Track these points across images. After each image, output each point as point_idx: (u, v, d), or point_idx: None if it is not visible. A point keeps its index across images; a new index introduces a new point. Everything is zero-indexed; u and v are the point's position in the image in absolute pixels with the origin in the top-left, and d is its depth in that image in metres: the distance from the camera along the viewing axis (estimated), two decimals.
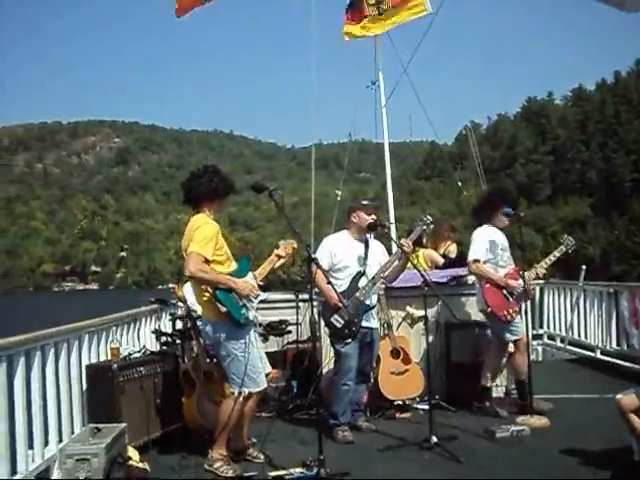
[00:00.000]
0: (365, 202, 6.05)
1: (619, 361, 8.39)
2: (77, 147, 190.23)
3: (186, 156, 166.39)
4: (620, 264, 64.65)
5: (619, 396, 4.58)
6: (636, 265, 63.27)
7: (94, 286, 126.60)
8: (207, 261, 4.74)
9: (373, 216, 5.92)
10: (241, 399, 4.84)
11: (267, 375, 5.12)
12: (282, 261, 5.31)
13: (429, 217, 5.95)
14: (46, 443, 5.01)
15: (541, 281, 9.64)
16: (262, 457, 5.06)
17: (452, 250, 8.03)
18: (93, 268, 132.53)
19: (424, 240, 8.08)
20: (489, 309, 6.26)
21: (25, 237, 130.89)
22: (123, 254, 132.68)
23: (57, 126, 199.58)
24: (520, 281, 6.18)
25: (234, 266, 4.98)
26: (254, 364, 4.87)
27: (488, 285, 6.29)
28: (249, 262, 5.10)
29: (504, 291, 6.24)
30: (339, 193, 10.86)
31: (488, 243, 6.35)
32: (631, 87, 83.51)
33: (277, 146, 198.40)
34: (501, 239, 6.40)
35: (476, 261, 6.32)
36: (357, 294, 5.70)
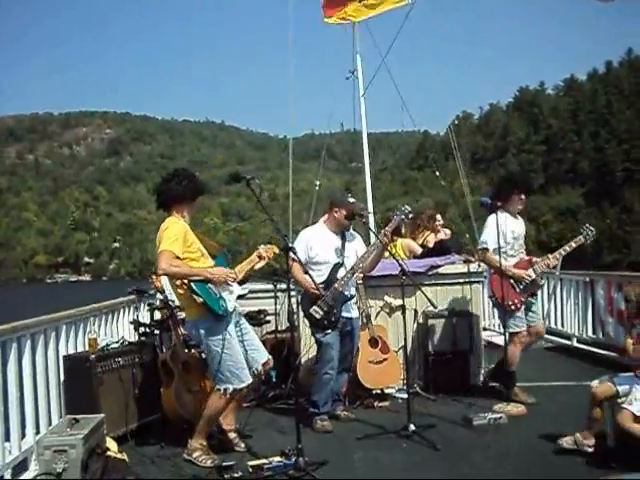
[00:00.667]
0: (352, 200, 6.04)
1: (595, 349, 8.48)
2: (69, 138, 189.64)
3: (178, 147, 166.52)
4: (612, 253, 65.06)
5: (593, 384, 4.64)
6: (627, 254, 63.82)
7: (87, 277, 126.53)
8: (178, 258, 4.76)
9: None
10: (227, 396, 4.85)
11: (265, 364, 5.16)
12: (262, 263, 5.29)
13: (407, 207, 5.93)
14: (23, 435, 4.99)
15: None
16: (243, 445, 5.09)
17: (430, 240, 8.06)
18: (86, 259, 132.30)
19: (402, 230, 8.11)
20: (494, 297, 6.33)
21: (18, 229, 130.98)
22: (116, 245, 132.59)
23: (48, 117, 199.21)
24: (530, 271, 6.21)
25: (210, 263, 4.99)
26: (236, 359, 4.85)
27: (496, 274, 6.24)
28: (226, 259, 5.10)
29: (511, 281, 6.21)
30: (317, 184, 10.84)
31: (497, 232, 6.11)
32: (623, 77, 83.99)
33: (269, 136, 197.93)
34: (513, 227, 6.32)
35: (484, 250, 6.30)
36: (336, 285, 5.71)
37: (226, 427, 5.19)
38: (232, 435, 5.17)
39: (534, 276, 6.23)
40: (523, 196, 6.37)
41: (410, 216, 6.13)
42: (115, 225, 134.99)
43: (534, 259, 6.31)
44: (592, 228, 6.33)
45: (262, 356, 5.12)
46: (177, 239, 4.79)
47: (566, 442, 4.62)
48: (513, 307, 6.18)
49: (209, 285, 4.80)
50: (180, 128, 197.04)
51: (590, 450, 4.53)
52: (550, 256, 6.32)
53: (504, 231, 6.17)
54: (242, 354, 4.92)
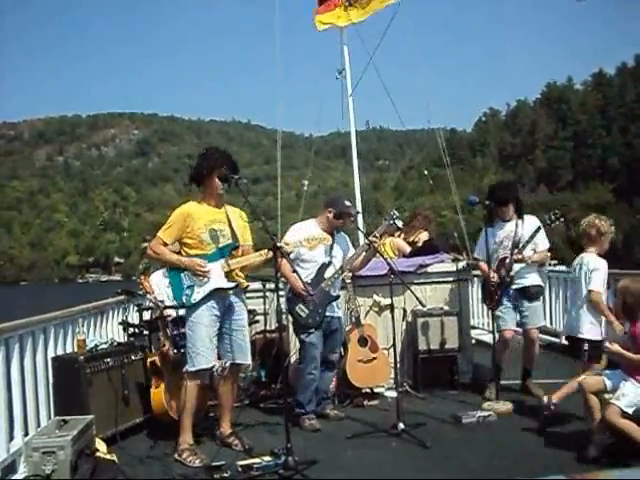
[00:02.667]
0: (349, 204, 6.09)
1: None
2: (97, 139, 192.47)
3: (205, 147, 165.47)
4: None
5: (582, 377, 4.68)
6: None
7: (118, 277, 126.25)
8: (166, 244, 5.01)
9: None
10: (187, 378, 4.97)
11: (240, 365, 5.21)
12: (260, 259, 5.11)
13: (396, 212, 6.02)
14: (11, 437, 4.97)
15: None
16: (240, 446, 5.09)
17: (422, 238, 8.11)
18: (116, 259, 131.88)
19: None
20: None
21: (49, 229, 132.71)
22: (145, 245, 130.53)
23: (77, 119, 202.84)
24: (502, 271, 6.26)
25: (208, 251, 4.99)
26: (193, 344, 4.94)
27: (483, 279, 6.59)
28: (228, 250, 5.03)
29: (488, 284, 6.37)
30: (306, 183, 10.86)
31: (483, 242, 6.46)
32: None
33: (295, 135, 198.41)
34: (496, 233, 6.41)
35: (475, 259, 6.70)
36: (322, 284, 5.76)
37: (223, 428, 5.22)
38: (230, 439, 5.18)
39: (496, 278, 6.27)
40: (503, 207, 6.37)
41: (400, 224, 6.17)
42: (144, 225, 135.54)
43: (508, 259, 6.29)
44: (557, 211, 6.39)
45: (240, 356, 5.15)
46: (171, 226, 5.00)
47: (591, 451, 4.48)
48: (489, 307, 6.46)
49: (184, 274, 4.92)
50: (207, 128, 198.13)
51: (611, 440, 4.48)
52: (516, 252, 6.27)
53: (487, 238, 6.37)
54: (208, 341, 4.93)
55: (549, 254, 6.67)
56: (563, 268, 9.56)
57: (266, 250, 4.94)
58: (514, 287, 6.31)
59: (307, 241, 5.15)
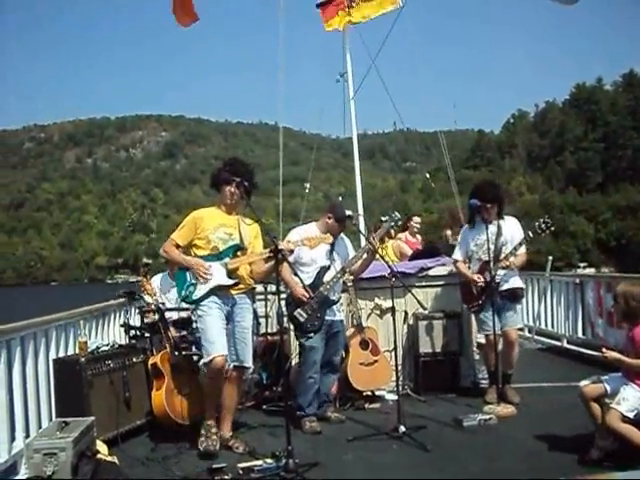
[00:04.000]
0: (350, 213, 6.09)
1: (585, 350, 8.52)
2: (125, 141, 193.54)
3: (232, 148, 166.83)
4: None
5: (582, 384, 4.67)
6: None
7: None
8: (178, 246, 5.19)
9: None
10: (205, 370, 5.07)
11: (243, 368, 5.20)
12: (261, 259, 5.19)
13: (397, 214, 6.02)
14: (13, 438, 4.98)
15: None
16: (241, 449, 5.09)
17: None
18: (145, 260, 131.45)
19: (393, 232, 8.19)
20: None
21: (79, 231, 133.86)
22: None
23: (105, 121, 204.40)
24: (486, 274, 6.20)
25: (216, 251, 5.14)
26: (205, 333, 5.03)
27: (462, 281, 6.57)
28: (234, 250, 5.15)
29: (472, 286, 6.35)
30: (307, 186, 10.86)
31: (462, 242, 6.55)
32: None
33: (322, 137, 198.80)
34: (476, 235, 6.37)
35: (454, 261, 6.64)
36: (321, 288, 5.77)
37: (223, 431, 5.22)
38: (231, 441, 5.18)
39: (481, 280, 6.24)
40: (488, 205, 6.27)
41: (399, 223, 6.19)
42: (172, 226, 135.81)
43: (492, 262, 6.19)
44: (548, 220, 6.25)
45: (240, 359, 5.18)
46: (183, 228, 5.24)
47: (593, 454, 4.48)
48: (473, 310, 6.45)
49: (189, 272, 5.12)
50: (234, 130, 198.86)
51: (615, 446, 4.44)
52: (502, 258, 6.20)
53: (468, 240, 6.47)
54: (220, 329, 5.02)
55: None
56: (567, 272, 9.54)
57: (267, 250, 5.02)
58: (499, 290, 6.24)
59: (308, 240, 5.13)
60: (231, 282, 5.11)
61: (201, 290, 5.06)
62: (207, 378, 5.12)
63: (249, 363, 5.25)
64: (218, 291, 5.07)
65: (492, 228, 6.28)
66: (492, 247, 6.21)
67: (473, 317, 6.70)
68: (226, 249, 5.15)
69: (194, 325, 5.24)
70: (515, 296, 6.36)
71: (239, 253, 5.17)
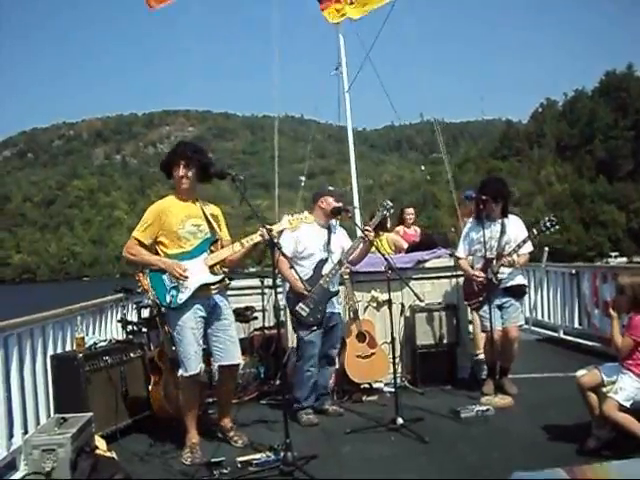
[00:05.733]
0: (331, 188, 6.10)
1: (581, 340, 8.55)
2: (153, 137, 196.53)
3: (259, 142, 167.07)
4: None
5: (578, 374, 4.68)
6: None
7: None
8: (143, 245, 4.87)
9: (340, 203, 5.99)
10: (182, 382, 4.95)
11: (231, 367, 5.10)
12: (237, 250, 4.91)
13: (389, 202, 5.99)
14: (11, 435, 4.98)
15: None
16: (240, 442, 5.09)
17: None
18: None
19: (388, 225, 8.21)
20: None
21: (109, 226, 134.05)
22: None
23: (133, 117, 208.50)
24: (488, 271, 6.22)
25: (191, 247, 4.90)
26: (184, 349, 4.87)
27: (465, 277, 6.61)
28: (208, 244, 4.93)
29: (474, 283, 6.35)
30: (303, 179, 10.85)
31: (465, 239, 6.52)
32: None
33: (347, 129, 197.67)
34: (480, 232, 6.27)
35: (456, 257, 6.64)
36: (321, 281, 5.76)
37: (224, 423, 5.23)
38: (230, 433, 5.19)
39: (482, 277, 6.24)
40: (483, 197, 6.25)
41: (392, 211, 6.17)
42: None
43: (495, 260, 6.22)
44: (553, 218, 6.24)
45: (227, 358, 5.05)
46: (147, 224, 4.88)
47: (590, 443, 4.50)
48: (473, 306, 6.46)
49: (166, 275, 4.80)
50: (260, 123, 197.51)
51: (612, 435, 4.46)
52: (506, 256, 6.16)
53: (471, 237, 6.44)
54: (196, 345, 4.88)
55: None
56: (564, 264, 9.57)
57: (242, 242, 4.83)
58: (502, 286, 6.27)
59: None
60: (217, 278, 4.90)
61: (185, 292, 4.80)
62: (184, 388, 4.98)
63: (236, 360, 5.10)
64: (198, 292, 4.84)
65: (496, 226, 6.30)
66: (495, 245, 6.23)
67: (468, 309, 6.74)
68: (200, 245, 4.90)
69: (174, 335, 4.94)
70: (517, 293, 6.38)
71: (212, 247, 4.94)
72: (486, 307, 6.21)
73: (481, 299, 6.30)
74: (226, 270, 5.12)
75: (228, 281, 5.25)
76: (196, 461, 4.74)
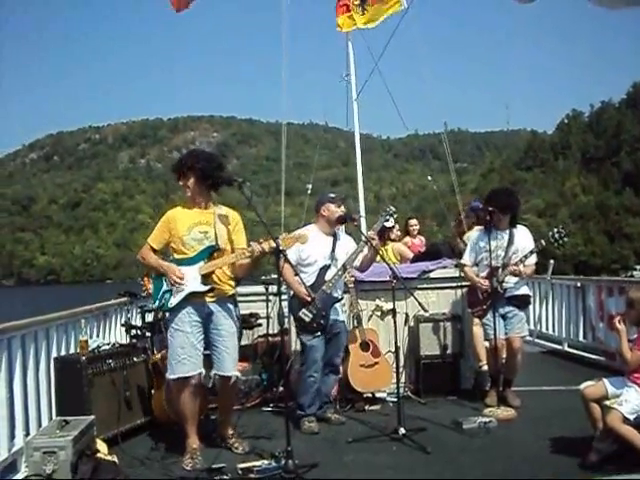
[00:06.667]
0: (332, 195, 6.10)
1: (586, 354, 8.52)
2: (178, 142, 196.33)
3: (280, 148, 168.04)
4: None
5: (583, 385, 4.67)
6: None
7: None
8: (155, 250, 5.02)
9: (342, 208, 5.99)
10: (172, 386, 4.99)
11: (226, 379, 5.04)
12: (239, 260, 4.92)
13: (392, 208, 5.99)
14: (13, 436, 4.98)
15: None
16: (240, 449, 5.08)
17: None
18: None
19: (392, 234, 8.23)
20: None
21: (133, 230, 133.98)
22: None
23: (158, 122, 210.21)
24: (484, 281, 6.25)
25: (192, 254, 4.94)
26: (173, 351, 4.92)
27: (469, 285, 6.57)
28: (208, 252, 4.93)
29: (478, 291, 6.35)
30: (309, 187, 10.83)
31: (472, 247, 6.51)
32: None
33: (372, 137, 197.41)
34: (487, 240, 6.20)
35: (462, 265, 6.62)
36: (324, 287, 5.75)
37: (224, 430, 5.22)
38: (231, 440, 5.17)
39: (486, 285, 6.23)
40: (500, 215, 6.24)
41: (388, 225, 6.17)
42: None
43: (501, 269, 6.20)
44: (561, 229, 6.24)
45: (221, 368, 5.01)
46: (157, 230, 5.07)
47: (591, 456, 4.44)
48: (477, 314, 6.40)
49: (165, 278, 4.93)
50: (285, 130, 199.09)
51: (613, 448, 4.41)
52: (512, 265, 6.16)
53: (478, 245, 6.41)
54: (188, 348, 4.86)
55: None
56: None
57: (243, 251, 4.84)
58: (506, 296, 6.26)
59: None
60: (205, 288, 4.89)
61: (176, 297, 4.87)
62: (173, 392, 4.99)
63: (230, 372, 5.02)
64: (193, 298, 4.89)
65: (504, 236, 6.29)
66: (502, 254, 6.22)
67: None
68: (200, 252, 4.92)
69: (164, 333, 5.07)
70: (522, 303, 6.37)
71: (215, 254, 4.94)
72: (490, 315, 6.20)
73: (485, 307, 6.29)
74: (225, 281, 5.07)
75: (232, 291, 5.16)
76: (197, 467, 4.73)
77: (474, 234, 6.62)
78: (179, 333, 4.89)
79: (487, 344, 6.35)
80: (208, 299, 4.94)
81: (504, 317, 6.27)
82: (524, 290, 6.44)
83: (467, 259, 6.54)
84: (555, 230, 6.23)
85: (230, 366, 5.01)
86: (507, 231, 6.30)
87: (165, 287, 4.92)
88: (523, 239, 6.33)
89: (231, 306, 5.10)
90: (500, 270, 6.18)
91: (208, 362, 5.10)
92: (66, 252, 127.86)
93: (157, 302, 4.98)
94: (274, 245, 4.72)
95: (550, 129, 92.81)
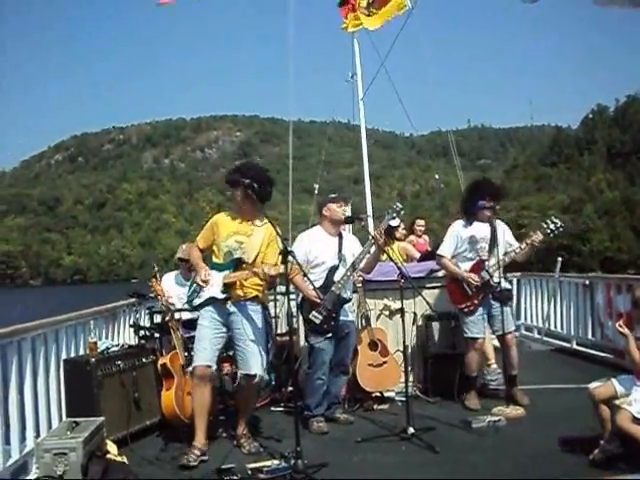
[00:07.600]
0: (333, 195, 6.12)
1: (594, 351, 8.49)
2: (201, 142, 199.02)
3: (306, 147, 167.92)
4: None
5: (592, 385, 4.65)
6: None
7: None
8: (201, 249, 5.34)
9: (344, 207, 6.01)
10: (190, 377, 5.16)
11: (250, 375, 5.08)
12: (250, 276, 5.09)
13: (399, 205, 5.96)
14: (23, 438, 5.00)
15: (517, 273, 9.79)
16: (248, 448, 5.11)
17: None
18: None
19: (398, 233, 8.22)
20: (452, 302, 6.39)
21: (158, 229, 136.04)
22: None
23: (181, 122, 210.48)
24: (483, 273, 6.15)
25: (224, 261, 5.17)
26: (196, 342, 5.16)
27: (450, 279, 6.41)
28: (235, 263, 5.10)
29: (465, 285, 6.23)
30: (317, 187, 10.84)
31: (454, 238, 6.33)
32: None
33: (395, 135, 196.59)
34: (471, 232, 6.23)
35: (440, 256, 6.42)
36: (333, 288, 5.75)
37: (237, 431, 5.26)
38: (241, 440, 5.21)
39: (478, 279, 6.14)
40: (491, 203, 6.20)
41: (394, 223, 6.15)
42: None
43: (487, 262, 6.17)
44: (556, 221, 6.19)
45: (244, 367, 5.12)
46: (205, 230, 5.37)
47: (596, 456, 4.46)
48: (466, 310, 6.23)
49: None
50: (307, 129, 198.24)
51: (619, 450, 4.41)
52: (503, 255, 6.12)
53: (461, 236, 6.28)
54: (207, 342, 5.06)
55: None
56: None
57: (256, 270, 4.97)
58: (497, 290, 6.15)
59: (305, 264, 5.25)
60: (222, 296, 5.07)
61: (199, 299, 5.15)
62: (192, 388, 5.17)
63: (253, 370, 5.07)
64: (214, 301, 5.12)
65: (485, 227, 6.23)
66: (486, 246, 6.17)
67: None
68: (230, 261, 5.11)
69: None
70: (504, 298, 6.25)
71: (244, 265, 5.09)
72: (481, 310, 6.17)
73: (477, 302, 6.19)
74: (253, 287, 5.19)
75: (257, 294, 5.24)
76: (191, 459, 4.80)
77: (456, 225, 6.38)
78: (199, 327, 5.16)
79: (494, 341, 6.32)
80: (226, 303, 5.13)
81: (489, 313, 6.22)
82: (504, 284, 6.29)
83: (446, 251, 6.35)
84: (549, 222, 6.18)
85: (253, 364, 5.09)
86: (487, 223, 6.24)
87: (196, 286, 5.19)
88: (505, 231, 6.33)
89: (255, 307, 5.21)
90: (488, 262, 6.12)
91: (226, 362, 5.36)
92: (92, 252, 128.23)
93: (188, 298, 5.27)
94: (282, 271, 4.85)
95: (575, 124, 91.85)
